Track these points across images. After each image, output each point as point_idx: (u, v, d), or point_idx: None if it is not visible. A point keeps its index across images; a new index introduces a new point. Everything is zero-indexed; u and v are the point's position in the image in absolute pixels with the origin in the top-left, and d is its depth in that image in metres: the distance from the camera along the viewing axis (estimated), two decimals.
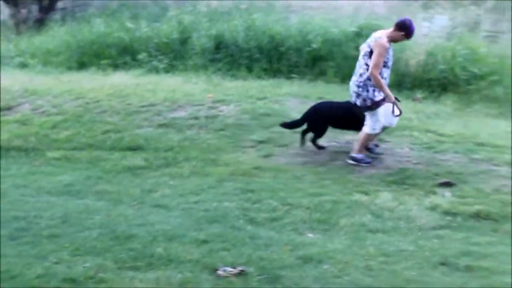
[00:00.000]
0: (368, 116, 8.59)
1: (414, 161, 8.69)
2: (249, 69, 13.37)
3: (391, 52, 8.49)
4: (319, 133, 9.18)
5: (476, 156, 8.84)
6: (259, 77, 13.03)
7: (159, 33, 14.80)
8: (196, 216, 6.87)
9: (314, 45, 13.42)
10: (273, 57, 13.59)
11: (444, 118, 10.73)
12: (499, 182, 8.01)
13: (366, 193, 7.68)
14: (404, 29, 8.38)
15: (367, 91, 8.47)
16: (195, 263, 5.62)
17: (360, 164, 8.62)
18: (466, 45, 13.13)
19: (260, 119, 10.27)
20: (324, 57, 13.35)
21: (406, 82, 12.63)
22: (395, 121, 8.69)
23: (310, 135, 9.23)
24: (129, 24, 15.28)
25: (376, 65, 8.29)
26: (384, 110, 8.52)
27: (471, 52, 12.85)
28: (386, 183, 8.06)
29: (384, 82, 8.39)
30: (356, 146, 8.74)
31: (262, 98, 11.18)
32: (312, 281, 5.44)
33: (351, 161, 8.70)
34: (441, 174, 8.25)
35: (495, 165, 8.56)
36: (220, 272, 5.46)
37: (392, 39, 8.45)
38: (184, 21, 15.02)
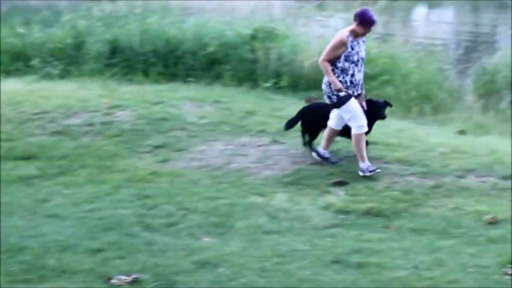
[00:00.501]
0: (344, 116, 8.42)
1: (309, 162, 8.83)
2: (146, 74, 13.29)
3: (356, 47, 8.29)
4: (311, 134, 9.05)
5: (369, 154, 9.04)
6: (155, 81, 12.97)
7: (52, 38, 14.53)
8: (90, 225, 6.76)
9: (210, 49, 13.50)
10: (169, 61, 13.59)
11: None
12: (390, 180, 8.25)
13: (262, 195, 7.76)
14: (357, 19, 8.17)
15: (331, 87, 8.34)
16: (88, 273, 5.55)
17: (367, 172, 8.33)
18: None
19: (156, 124, 10.22)
20: (220, 60, 13.43)
21: (301, 84, 12.87)
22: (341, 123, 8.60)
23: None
24: (20, 30, 14.90)
25: (326, 54, 8.28)
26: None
27: None
28: (282, 184, 8.17)
29: (344, 76, 8.29)
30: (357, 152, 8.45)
31: (159, 103, 11.13)
32: (208, 285, 5.47)
33: (361, 173, 8.36)
34: (335, 173, 8.43)
35: (386, 162, 8.80)
36: (113, 281, 5.41)
37: (354, 33, 8.24)
38: (78, 25, 14.79)
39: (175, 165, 8.86)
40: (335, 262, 5.96)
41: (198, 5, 19.55)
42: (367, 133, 8.56)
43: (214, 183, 8.20)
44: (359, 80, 8.48)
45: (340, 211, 7.31)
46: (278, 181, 8.25)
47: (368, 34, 8.55)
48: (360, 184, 8.10)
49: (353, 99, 8.35)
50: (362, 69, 8.58)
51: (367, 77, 12.58)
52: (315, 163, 8.76)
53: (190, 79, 13.02)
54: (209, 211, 7.23)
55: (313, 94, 12.38)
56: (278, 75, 12.99)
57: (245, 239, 6.52)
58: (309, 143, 9.03)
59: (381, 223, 7.05)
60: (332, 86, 8.31)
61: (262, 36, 13.60)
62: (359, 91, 8.55)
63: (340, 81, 8.31)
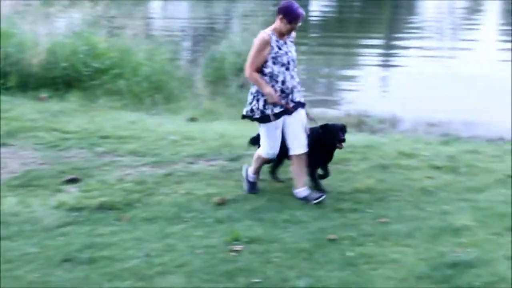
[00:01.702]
0: (262, 133, 7.35)
1: (40, 162, 8.61)
2: None
3: (284, 47, 7.10)
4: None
5: (101, 149, 9.06)
6: None
7: None
8: None
9: None
10: None
11: (69, 115, 10.82)
12: (122, 172, 8.27)
13: None
14: (281, 12, 7.00)
15: (257, 100, 7.17)
16: None
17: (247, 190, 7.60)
18: (87, 41, 13.38)
19: None
20: None
21: (30, 83, 12.57)
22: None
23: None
24: None
25: (251, 63, 7.07)
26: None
27: (91, 47, 13.13)
28: (11, 188, 7.82)
29: (269, 81, 7.07)
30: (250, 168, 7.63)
31: None
32: None
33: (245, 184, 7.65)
34: (67, 171, 8.27)
35: (119, 155, 8.85)
36: None
37: (279, 30, 7.07)
38: None
39: None
40: (66, 260, 5.85)
41: None
42: (325, 163, 7.64)
43: None
44: (292, 88, 7.18)
45: (73, 209, 7.13)
46: (7, 185, 7.90)
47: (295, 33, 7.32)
48: (92, 180, 8.02)
49: (276, 123, 7.16)
50: (295, 74, 7.28)
51: (98, 72, 12.68)
52: (45, 163, 8.56)
53: None
54: None
55: (44, 93, 12.12)
56: (5, 75, 12.52)
57: None
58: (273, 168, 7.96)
59: (114, 216, 6.99)
60: (268, 99, 7.08)
61: None
62: (296, 99, 7.25)
63: None
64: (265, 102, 7.10)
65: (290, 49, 7.17)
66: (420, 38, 23.96)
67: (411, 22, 29.93)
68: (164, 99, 12.24)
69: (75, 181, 8.00)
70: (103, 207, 7.21)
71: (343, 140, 7.35)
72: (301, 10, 7.00)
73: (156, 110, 11.79)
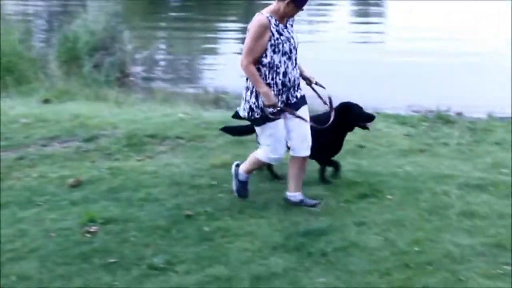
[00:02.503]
0: (262, 137, 6.29)
1: None
2: None
3: (285, 33, 5.95)
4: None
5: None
6: None
7: None
8: None
9: None
10: None
11: None
12: None
13: None
14: None
15: (256, 97, 6.04)
16: None
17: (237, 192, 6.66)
18: None
19: None
20: None
21: None
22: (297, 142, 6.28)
23: None
24: None
25: (247, 52, 5.88)
26: (291, 126, 6.23)
27: None
28: None
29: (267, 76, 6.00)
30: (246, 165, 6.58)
31: None
32: None
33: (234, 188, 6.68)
34: None
35: None
36: None
37: (279, 14, 5.90)
38: None
39: None
40: None
41: None
42: (337, 151, 7.10)
43: None
44: (294, 81, 6.11)
45: None
46: None
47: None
48: None
49: (281, 121, 6.15)
50: (297, 64, 6.19)
51: None
52: None
53: None
54: None
55: None
56: None
57: None
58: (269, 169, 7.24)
59: None
60: (263, 99, 5.99)
61: None
62: (298, 93, 6.23)
63: (269, 83, 6.00)
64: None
65: (292, 35, 6.04)
66: None
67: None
68: (15, 81, 11.82)
69: None
70: None
71: (373, 118, 6.89)
72: None
73: (6, 93, 11.37)
